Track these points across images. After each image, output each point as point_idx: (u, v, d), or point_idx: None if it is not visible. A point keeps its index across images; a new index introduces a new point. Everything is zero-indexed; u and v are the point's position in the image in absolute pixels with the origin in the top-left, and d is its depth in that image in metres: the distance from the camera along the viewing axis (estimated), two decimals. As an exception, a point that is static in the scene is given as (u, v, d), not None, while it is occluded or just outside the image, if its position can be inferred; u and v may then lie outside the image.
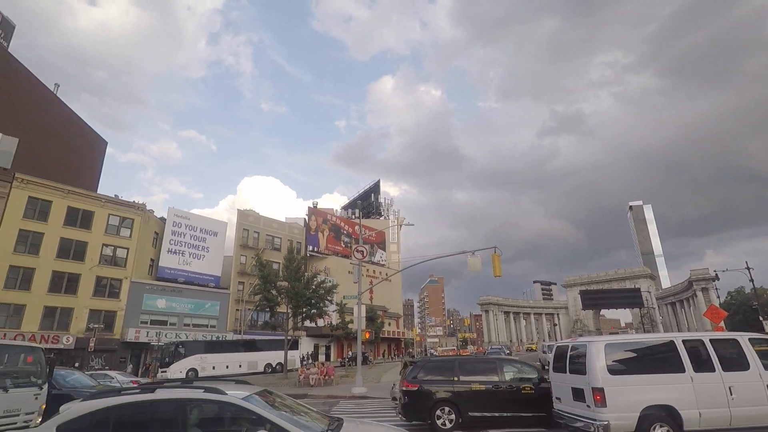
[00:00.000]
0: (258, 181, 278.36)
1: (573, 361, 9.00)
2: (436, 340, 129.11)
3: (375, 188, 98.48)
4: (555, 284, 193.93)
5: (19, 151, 37.36)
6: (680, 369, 8.20)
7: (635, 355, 8.73)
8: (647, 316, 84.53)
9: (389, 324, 70.55)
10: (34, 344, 10.00)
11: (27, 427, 7.94)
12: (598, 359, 8.21)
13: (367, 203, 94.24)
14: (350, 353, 52.11)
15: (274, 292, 33.33)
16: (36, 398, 8.65)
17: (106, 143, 60.03)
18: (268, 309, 33.68)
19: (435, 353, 77.34)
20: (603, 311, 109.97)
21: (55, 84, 51.71)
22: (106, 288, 40.05)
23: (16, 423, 7.92)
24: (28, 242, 36.13)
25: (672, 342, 8.56)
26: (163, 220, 48.46)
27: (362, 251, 26.94)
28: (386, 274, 61.84)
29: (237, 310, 50.78)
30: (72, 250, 38.41)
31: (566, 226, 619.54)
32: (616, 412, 7.77)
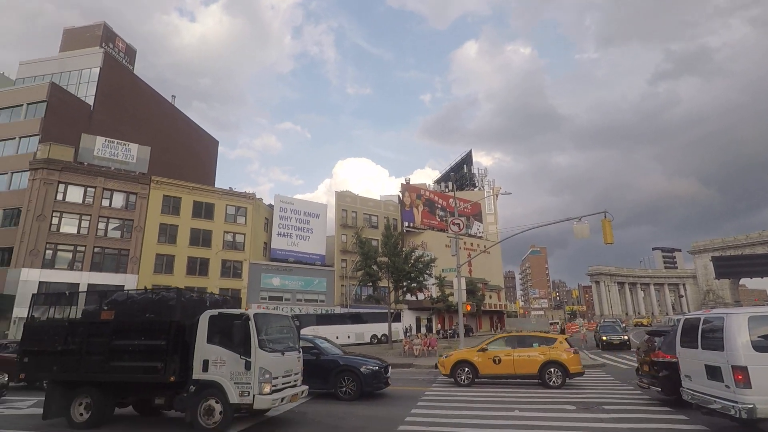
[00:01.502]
0: (351, 163, 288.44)
1: (706, 336, 8.04)
2: (541, 312, 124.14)
3: (467, 159, 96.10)
4: (680, 251, 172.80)
5: (151, 157, 43.25)
6: None
7: (788, 329, 7.49)
8: (802, 282, 71.63)
9: (490, 297, 69.50)
10: (286, 314, 11.00)
11: (295, 385, 9.27)
12: (740, 334, 7.21)
13: (460, 175, 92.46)
14: (453, 326, 52.61)
15: (374, 267, 34.62)
16: (299, 360, 9.66)
17: (218, 142, 66.80)
18: (370, 284, 35.20)
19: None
20: (743, 281, 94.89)
21: (172, 96, 58.66)
22: (230, 270, 45.24)
23: (290, 382, 9.07)
24: (167, 234, 42.11)
25: (838, 314, 7.19)
26: (270, 206, 52.85)
27: (458, 224, 26.64)
28: (484, 247, 60.61)
29: (342, 285, 53.99)
30: (200, 239, 43.91)
31: (692, 184, 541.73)
32: (764, 394, 6.82)
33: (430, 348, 26.84)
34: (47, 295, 11.12)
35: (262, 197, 53.06)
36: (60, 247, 36.76)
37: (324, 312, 47.71)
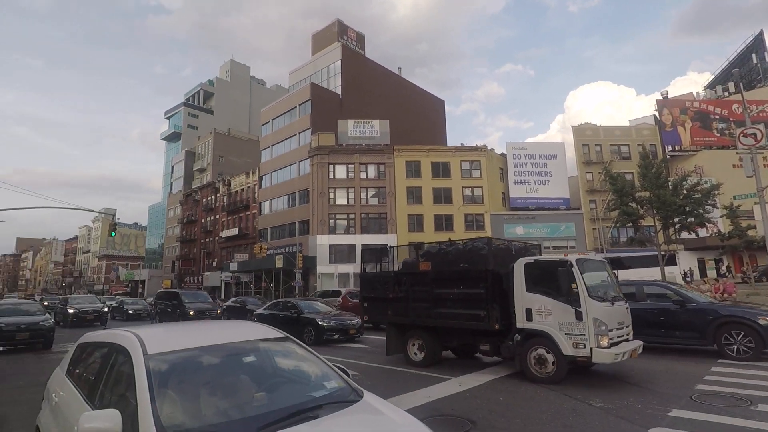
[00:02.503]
0: (585, 91, 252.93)
1: None
2: None
3: (755, 45, 70.72)
4: None
5: (390, 128, 48.30)
6: None
7: None
8: None
9: (819, 226, 50.60)
10: (603, 259, 10.04)
11: (627, 339, 8.10)
12: None
13: (747, 69, 69.17)
14: (756, 267, 41.04)
15: (633, 204, 30.01)
16: (627, 311, 8.36)
17: (443, 102, 69.25)
18: (629, 224, 30.78)
19: None
20: None
21: (398, 68, 63.72)
22: (473, 223, 47.02)
23: (623, 335, 8.02)
24: (414, 195, 46.74)
25: None
26: (503, 155, 51.80)
27: (754, 134, 20.10)
28: (802, 159, 44.02)
29: (594, 228, 48.95)
30: (442, 196, 47.00)
31: None
32: None
33: (724, 295, 21.56)
34: (370, 251, 12.92)
35: (493, 148, 52.62)
36: (338, 216, 45.73)
37: (575, 258, 44.50)
